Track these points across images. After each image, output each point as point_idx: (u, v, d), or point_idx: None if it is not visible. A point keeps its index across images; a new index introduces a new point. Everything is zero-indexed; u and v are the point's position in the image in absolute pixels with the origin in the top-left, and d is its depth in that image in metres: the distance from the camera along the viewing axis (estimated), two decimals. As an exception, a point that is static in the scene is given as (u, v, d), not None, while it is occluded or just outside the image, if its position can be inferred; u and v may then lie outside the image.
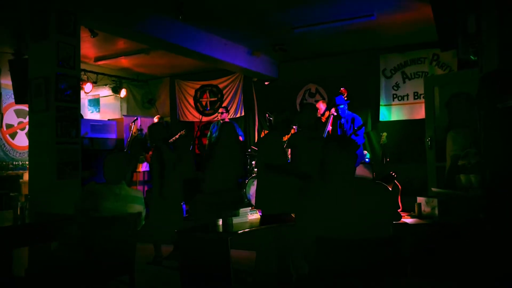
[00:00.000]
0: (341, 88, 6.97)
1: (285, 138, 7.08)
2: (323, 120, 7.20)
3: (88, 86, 9.50)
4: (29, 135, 5.34)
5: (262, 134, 9.00)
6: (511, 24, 3.64)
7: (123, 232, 3.50)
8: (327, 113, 7.17)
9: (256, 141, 9.51)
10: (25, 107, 7.72)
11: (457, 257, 3.08)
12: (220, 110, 8.63)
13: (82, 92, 8.63)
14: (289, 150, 5.15)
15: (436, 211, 3.43)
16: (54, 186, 4.92)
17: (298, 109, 8.82)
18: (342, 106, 6.82)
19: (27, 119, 7.42)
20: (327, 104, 7.68)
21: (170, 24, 6.55)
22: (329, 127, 6.86)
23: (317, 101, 9.01)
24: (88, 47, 7.81)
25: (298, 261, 4.20)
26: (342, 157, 2.57)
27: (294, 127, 7.72)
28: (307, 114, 4.68)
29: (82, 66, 8.62)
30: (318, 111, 7.51)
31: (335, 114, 6.86)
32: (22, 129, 10.14)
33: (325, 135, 6.87)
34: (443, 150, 5.54)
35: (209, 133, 8.69)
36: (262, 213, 4.44)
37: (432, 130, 5.85)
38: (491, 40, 3.77)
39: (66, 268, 3.38)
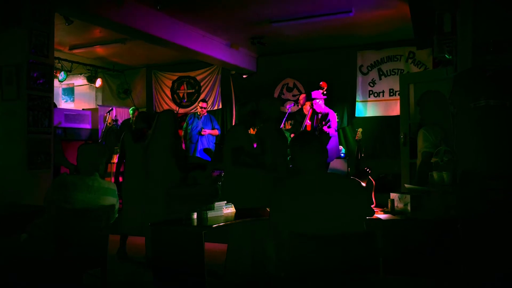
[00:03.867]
0: (321, 82, 6.99)
1: (253, 131, 7.07)
2: (305, 112, 7.20)
3: (62, 75, 9.30)
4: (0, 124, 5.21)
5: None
6: (485, 25, 3.71)
7: (96, 225, 3.45)
8: (307, 104, 7.14)
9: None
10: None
11: (429, 253, 3.13)
12: (201, 104, 8.53)
13: (56, 81, 8.44)
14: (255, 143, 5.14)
15: (409, 207, 3.48)
16: (25, 176, 4.81)
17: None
18: (319, 101, 6.85)
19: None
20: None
21: (148, 13, 6.45)
22: (307, 121, 6.89)
23: (295, 96, 9.06)
24: (62, 35, 7.63)
25: (270, 256, 4.22)
26: (308, 155, 2.58)
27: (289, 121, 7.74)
28: (269, 107, 4.66)
29: (56, 54, 8.43)
30: (299, 102, 7.53)
31: (314, 109, 6.90)
32: (-7, 117, 9.87)
33: (302, 128, 6.91)
34: (417, 147, 5.63)
35: (185, 124, 8.61)
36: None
37: (406, 126, 5.92)
38: (466, 39, 3.84)
39: (36, 261, 3.31)
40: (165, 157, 4.85)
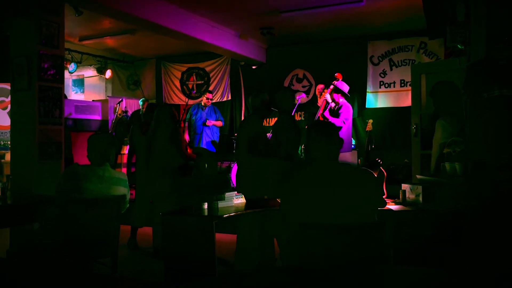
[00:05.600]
0: (337, 73, 6.91)
1: (271, 122, 7.02)
2: (319, 104, 7.14)
3: (72, 66, 9.34)
4: (11, 114, 5.24)
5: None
6: (499, 14, 3.65)
7: (106, 215, 3.47)
8: (324, 93, 7.04)
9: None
10: (7, 86, 7.57)
11: (441, 244, 3.11)
12: (207, 95, 8.55)
13: (66, 72, 8.47)
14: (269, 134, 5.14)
15: (420, 198, 3.46)
16: (36, 167, 4.85)
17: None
18: (345, 99, 6.74)
19: (9, 98, 7.27)
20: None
21: (157, 4, 6.43)
22: (321, 112, 6.82)
23: (304, 86, 9.00)
24: (72, 26, 7.65)
25: (282, 246, 4.22)
26: (324, 144, 2.57)
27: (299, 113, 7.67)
28: (285, 98, 4.62)
29: (67, 46, 8.46)
30: (317, 91, 7.44)
31: (329, 100, 6.80)
32: (4, 109, 9.94)
33: (316, 118, 6.85)
34: (428, 137, 5.57)
35: (188, 115, 8.62)
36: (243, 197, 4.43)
37: (417, 117, 5.87)
38: (479, 29, 3.78)
39: (48, 249, 3.35)
40: (166, 146, 4.88)
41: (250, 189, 4.23)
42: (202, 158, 8.12)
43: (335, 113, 6.63)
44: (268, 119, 8.58)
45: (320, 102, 7.12)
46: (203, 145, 8.32)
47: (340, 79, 6.76)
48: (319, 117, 6.76)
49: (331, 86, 6.68)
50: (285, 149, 4.36)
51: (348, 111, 6.78)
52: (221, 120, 8.58)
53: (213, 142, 8.45)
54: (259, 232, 4.23)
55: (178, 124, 5.35)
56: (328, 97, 6.72)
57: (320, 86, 7.37)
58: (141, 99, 9.36)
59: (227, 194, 3.74)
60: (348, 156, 6.68)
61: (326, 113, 6.63)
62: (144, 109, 8.63)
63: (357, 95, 8.42)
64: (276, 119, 7.12)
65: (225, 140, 8.99)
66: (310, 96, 8.87)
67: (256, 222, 4.16)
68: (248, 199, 3.95)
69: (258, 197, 4.01)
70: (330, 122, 6.30)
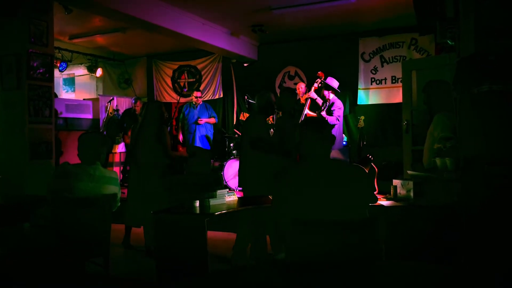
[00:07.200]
0: (319, 72, 6.93)
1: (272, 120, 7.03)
2: (302, 102, 7.15)
3: (62, 65, 9.27)
4: (0, 114, 5.20)
5: (241, 116, 8.95)
6: (487, 9, 3.67)
7: (98, 214, 3.45)
8: (305, 95, 7.13)
9: (234, 123, 9.49)
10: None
11: (432, 239, 3.13)
12: (195, 93, 8.51)
13: (56, 71, 8.41)
14: (272, 131, 5.16)
15: (412, 194, 3.47)
16: (27, 166, 4.82)
17: (277, 92, 8.78)
18: (335, 95, 6.76)
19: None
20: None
21: (148, 2, 6.40)
22: (307, 110, 6.84)
23: (296, 84, 8.99)
24: (62, 25, 7.59)
25: (275, 243, 4.23)
26: (318, 141, 2.57)
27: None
28: (287, 99, 4.70)
29: (56, 44, 8.37)
30: (301, 90, 7.46)
31: (314, 97, 6.82)
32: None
33: (302, 118, 6.86)
34: (420, 133, 5.59)
35: (181, 115, 8.59)
36: (244, 194, 4.44)
37: (409, 114, 5.91)
38: (468, 24, 3.79)
39: (39, 249, 3.32)
40: (152, 144, 4.84)
41: (253, 187, 4.26)
42: (195, 156, 8.10)
43: (328, 110, 6.64)
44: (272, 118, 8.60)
45: (302, 100, 7.15)
46: (197, 143, 8.29)
47: (323, 78, 6.80)
48: (305, 115, 6.78)
49: (316, 85, 6.72)
50: (285, 146, 4.39)
51: (340, 108, 6.80)
52: (214, 117, 8.55)
53: (207, 136, 8.42)
54: (254, 228, 4.24)
55: (170, 123, 5.34)
56: (312, 94, 6.75)
57: (302, 85, 7.40)
58: (133, 98, 9.32)
59: (219, 192, 3.74)
60: (340, 153, 6.70)
61: (325, 115, 6.65)
62: (136, 107, 8.55)
63: (349, 92, 8.44)
64: (278, 116, 7.16)
65: (219, 139, 8.98)
66: (300, 94, 8.87)
67: (253, 219, 4.18)
68: (244, 196, 3.95)
69: (260, 195, 4.01)
70: (323, 118, 6.30)
